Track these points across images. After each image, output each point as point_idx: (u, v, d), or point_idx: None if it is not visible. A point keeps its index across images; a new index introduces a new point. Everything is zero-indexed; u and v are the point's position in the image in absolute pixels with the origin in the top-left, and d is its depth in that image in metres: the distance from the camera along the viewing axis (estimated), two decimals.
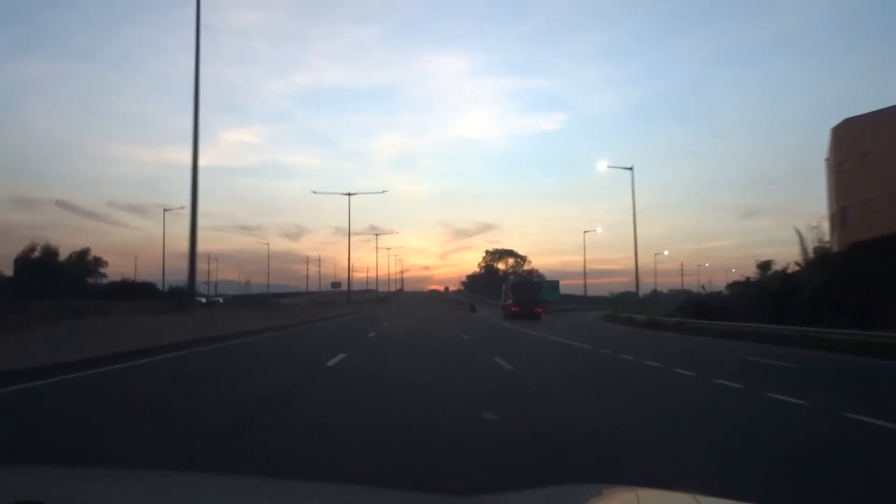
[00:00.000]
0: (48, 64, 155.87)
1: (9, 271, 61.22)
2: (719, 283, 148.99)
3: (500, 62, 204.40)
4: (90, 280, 67.44)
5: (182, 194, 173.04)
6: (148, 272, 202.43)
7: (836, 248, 38.61)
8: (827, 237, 39.54)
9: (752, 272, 48.92)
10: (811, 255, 37.19)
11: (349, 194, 58.50)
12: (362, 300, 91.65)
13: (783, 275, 39.24)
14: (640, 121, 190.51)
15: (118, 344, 12.49)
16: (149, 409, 7.36)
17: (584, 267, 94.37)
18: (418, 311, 59.77)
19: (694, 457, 5.42)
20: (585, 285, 79.72)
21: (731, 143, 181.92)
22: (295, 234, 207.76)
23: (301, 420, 6.60)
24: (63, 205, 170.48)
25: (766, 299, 35.15)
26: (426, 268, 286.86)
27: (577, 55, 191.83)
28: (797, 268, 37.74)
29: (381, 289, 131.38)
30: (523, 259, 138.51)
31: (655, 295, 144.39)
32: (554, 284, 78.26)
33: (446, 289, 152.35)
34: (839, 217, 42.08)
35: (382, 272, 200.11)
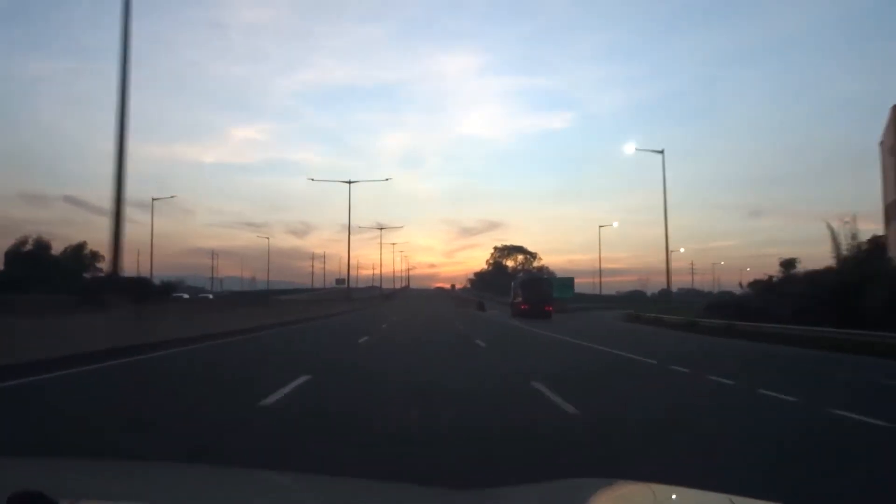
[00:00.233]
0: (58, 61, 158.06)
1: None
2: (727, 282, 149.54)
3: (506, 61, 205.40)
4: (87, 275, 65.26)
5: (191, 191, 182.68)
6: (157, 268, 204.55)
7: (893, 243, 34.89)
8: (860, 233, 35.62)
9: (770, 271, 47.00)
10: (844, 252, 34.29)
11: (349, 182, 54.02)
12: (366, 297, 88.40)
13: (834, 273, 35.07)
14: (646, 119, 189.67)
15: None
16: None
17: (600, 264, 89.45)
18: (423, 310, 55.19)
19: None
20: (601, 283, 74.79)
21: (736, 143, 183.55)
22: (301, 231, 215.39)
23: None
24: (72, 200, 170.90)
25: (814, 299, 30.98)
26: (432, 266, 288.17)
27: (582, 54, 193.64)
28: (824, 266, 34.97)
29: (387, 286, 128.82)
30: (533, 256, 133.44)
31: (665, 294, 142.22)
32: (568, 282, 73.31)
33: (452, 286, 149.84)
34: None
35: (389, 270, 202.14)
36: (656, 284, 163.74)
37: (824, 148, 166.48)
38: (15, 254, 62.92)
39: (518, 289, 54.23)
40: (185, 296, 38.27)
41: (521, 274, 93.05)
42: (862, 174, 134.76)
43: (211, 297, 46.21)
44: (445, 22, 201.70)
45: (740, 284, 51.20)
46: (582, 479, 2.40)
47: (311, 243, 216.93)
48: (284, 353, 14.62)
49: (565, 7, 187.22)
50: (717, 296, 68.16)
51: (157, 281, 65.45)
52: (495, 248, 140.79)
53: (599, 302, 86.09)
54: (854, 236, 34.43)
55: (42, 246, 63.30)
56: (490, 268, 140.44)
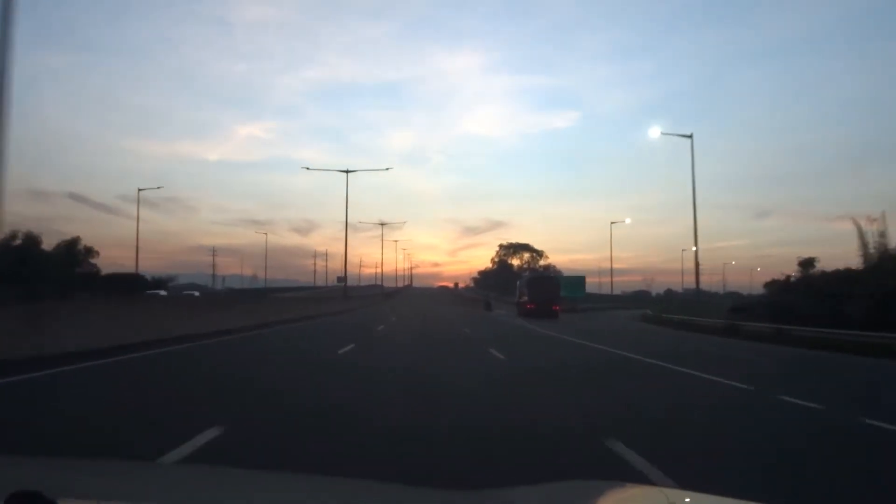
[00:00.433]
0: (62, 57, 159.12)
1: None
2: (733, 283, 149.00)
3: (511, 59, 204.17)
4: (80, 271, 61.63)
5: (194, 188, 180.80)
6: (159, 265, 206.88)
7: None
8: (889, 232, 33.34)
9: (777, 271, 45.74)
10: (871, 251, 33.29)
11: (347, 171, 50.04)
12: (366, 295, 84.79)
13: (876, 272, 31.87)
14: (652, 119, 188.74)
15: None
16: None
17: (611, 264, 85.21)
18: (426, 310, 51.07)
19: None
20: (612, 283, 70.67)
21: (742, 143, 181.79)
22: (305, 229, 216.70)
23: None
24: (75, 197, 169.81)
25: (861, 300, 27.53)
26: (436, 264, 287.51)
27: (588, 53, 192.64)
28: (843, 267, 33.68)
29: (390, 285, 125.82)
30: (539, 254, 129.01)
31: (671, 294, 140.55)
32: (579, 280, 69.11)
33: (456, 285, 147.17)
34: None
35: (392, 268, 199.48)
36: (661, 285, 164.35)
37: (827, 148, 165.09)
38: (3, 248, 60.40)
39: (524, 287, 52.19)
40: (163, 293, 34.28)
41: (527, 272, 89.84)
42: (863, 174, 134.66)
43: (197, 294, 42.26)
44: (450, 20, 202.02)
45: (788, 277, 48.20)
46: (585, 481, 2.41)
47: (315, 241, 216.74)
48: (208, 382, 9.42)
49: (570, 6, 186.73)
50: (745, 297, 64.18)
51: (149, 278, 63.97)
52: (500, 246, 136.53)
53: (607, 302, 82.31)
54: (882, 234, 32.95)
55: (32, 241, 60.58)
56: (495, 266, 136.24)
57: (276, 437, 5.57)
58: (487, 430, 6.06)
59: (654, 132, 37.33)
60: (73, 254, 64.63)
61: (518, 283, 59.26)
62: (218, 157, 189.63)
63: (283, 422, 6.33)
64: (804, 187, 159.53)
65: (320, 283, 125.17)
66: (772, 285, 48.71)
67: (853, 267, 33.99)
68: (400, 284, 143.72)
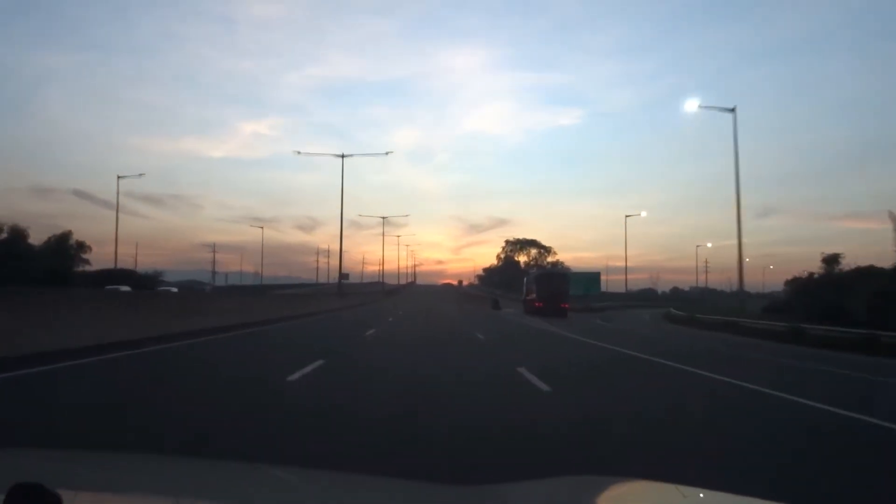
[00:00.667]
0: (68, 55, 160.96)
1: None
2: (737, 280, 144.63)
3: (516, 56, 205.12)
4: (75, 267, 59.19)
5: (199, 186, 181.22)
6: (164, 262, 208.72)
7: None
8: None
9: (785, 270, 42.53)
10: None
11: (342, 156, 45.71)
12: (365, 292, 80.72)
13: None
14: (656, 116, 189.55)
15: None
16: None
17: (626, 262, 79.93)
18: (429, 308, 46.31)
19: None
20: (626, 280, 65.93)
21: (744, 142, 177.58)
22: (309, 226, 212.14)
23: None
24: (80, 194, 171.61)
25: None
26: (440, 262, 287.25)
27: (594, 50, 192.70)
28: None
29: (394, 283, 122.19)
30: (547, 250, 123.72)
31: (678, 292, 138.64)
32: (594, 277, 64.48)
33: (460, 282, 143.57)
34: None
35: (395, 265, 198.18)
36: (665, 283, 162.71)
37: (830, 147, 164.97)
38: None
39: (532, 284, 50.36)
40: (127, 288, 29.91)
41: (534, 269, 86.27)
42: (865, 173, 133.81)
43: (175, 290, 37.84)
44: (455, 17, 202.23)
45: (784, 282, 45.26)
46: (583, 476, 2.47)
47: (319, 238, 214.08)
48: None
49: (574, 3, 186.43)
50: (769, 296, 59.83)
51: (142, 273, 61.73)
52: (507, 242, 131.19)
53: (618, 300, 77.90)
54: None
55: (17, 235, 56.69)
56: (500, 263, 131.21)
57: None
58: None
59: (692, 105, 32.51)
60: (64, 248, 63.33)
61: (525, 279, 57.73)
62: (223, 155, 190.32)
63: None
64: (805, 187, 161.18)
65: (322, 280, 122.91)
66: (794, 283, 46.68)
67: (876, 264, 32.07)
68: (404, 282, 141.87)
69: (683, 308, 51.02)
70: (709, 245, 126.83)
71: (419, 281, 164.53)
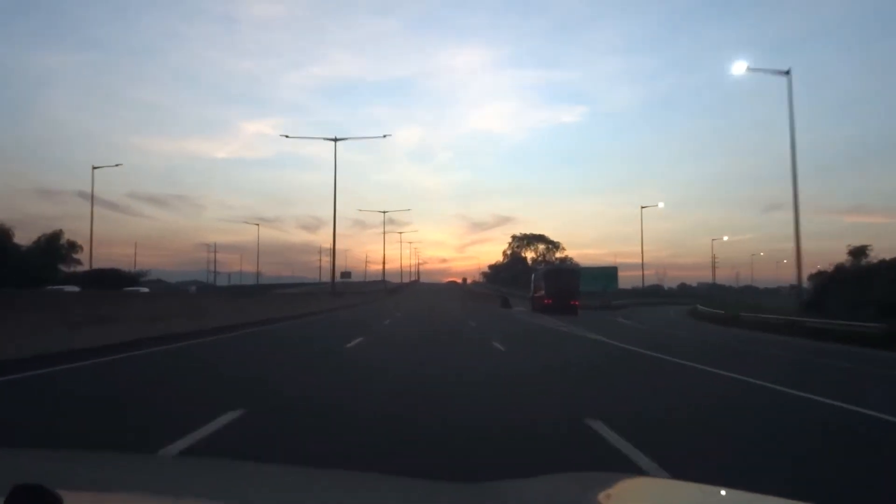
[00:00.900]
0: (69, 56, 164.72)
1: None
2: (744, 276, 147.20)
3: (518, 55, 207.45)
4: (65, 267, 59.40)
5: (202, 186, 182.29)
6: (167, 262, 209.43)
7: None
8: None
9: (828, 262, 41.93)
10: None
11: (335, 139, 41.39)
12: (367, 291, 78.99)
13: None
14: (660, 114, 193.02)
15: None
16: None
17: (643, 258, 75.33)
18: (432, 309, 41.34)
19: None
20: (643, 276, 61.46)
21: (749, 138, 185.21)
22: (313, 225, 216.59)
23: None
24: (84, 195, 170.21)
25: None
26: (443, 260, 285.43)
27: (597, 48, 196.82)
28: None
29: (397, 281, 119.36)
30: (555, 245, 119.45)
31: (685, 288, 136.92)
32: (611, 272, 60.39)
33: (464, 280, 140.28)
34: None
35: (398, 264, 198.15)
36: (671, 280, 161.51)
37: (832, 145, 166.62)
38: None
39: (540, 281, 49.00)
40: (75, 288, 25.90)
41: (542, 265, 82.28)
42: (865, 171, 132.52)
43: (146, 290, 33.67)
44: (457, 16, 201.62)
45: (807, 277, 42.51)
46: (585, 472, 2.37)
47: (322, 238, 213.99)
48: None
49: (577, 1, 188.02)
50: (798, 290, 55.97)
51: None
52: (513, 237, 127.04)
53: (630, 297, 73.86)
54: None
55: (4, 234, 53.67)
56: (506, 260, 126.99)
57: None
58: None
59: (740, 67, 27.99)
60: (55, 248, 60.21)
61: (533, 276, 56.08)
62: (225, 155, 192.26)
63: None
64: (814, 182, 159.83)
65: (326, 279, 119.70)
66: (818, 277, 44.92)
67: None
68: (408, 280, 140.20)
69: (712, 305, 46.77)
70: (725, 238, 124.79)
71: (424, 279, 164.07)
